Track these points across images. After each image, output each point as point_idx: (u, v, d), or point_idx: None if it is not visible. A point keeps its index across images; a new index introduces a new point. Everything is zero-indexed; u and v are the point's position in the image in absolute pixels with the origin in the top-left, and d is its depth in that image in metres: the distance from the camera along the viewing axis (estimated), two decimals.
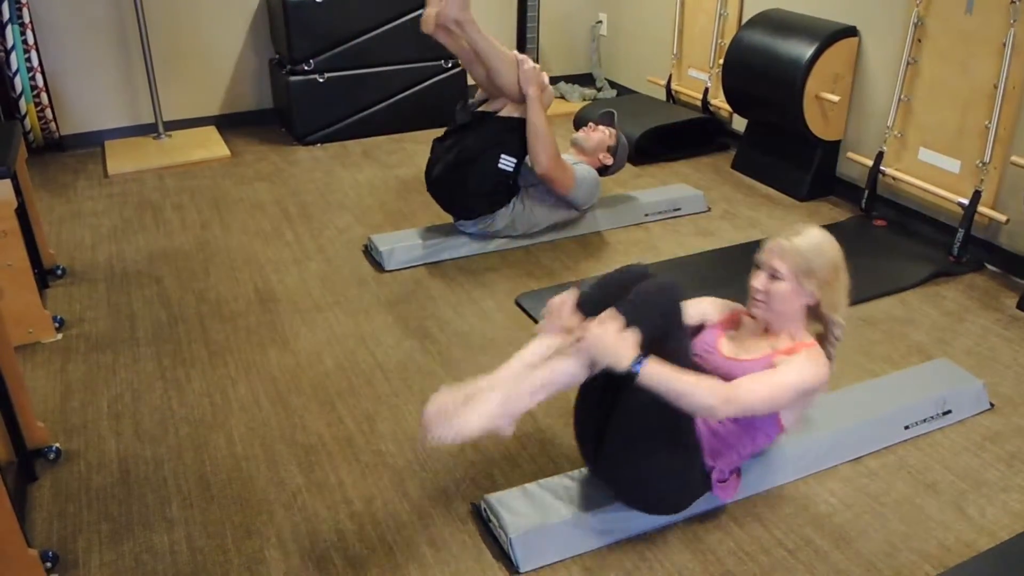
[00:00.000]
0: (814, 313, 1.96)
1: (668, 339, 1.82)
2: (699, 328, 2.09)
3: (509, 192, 3.30)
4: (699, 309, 2.12)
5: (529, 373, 1.80)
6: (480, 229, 3.36)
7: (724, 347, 2.01)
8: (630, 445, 1.86)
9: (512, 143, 3.19)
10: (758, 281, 1.94)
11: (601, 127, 3.62)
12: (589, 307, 1.90)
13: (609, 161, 3.59)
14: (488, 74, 3.18)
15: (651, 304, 1.81)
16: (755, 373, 1.85)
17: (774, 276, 1.91)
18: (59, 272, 3.19)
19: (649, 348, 1.77)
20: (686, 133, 4.51)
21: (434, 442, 1.71)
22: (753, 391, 1.80)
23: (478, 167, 3.19)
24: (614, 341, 1.73)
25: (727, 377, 1.87)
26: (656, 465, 1.87)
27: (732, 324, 2.08)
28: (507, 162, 3.20)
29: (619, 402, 1.84)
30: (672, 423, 1.83)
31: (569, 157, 3.46)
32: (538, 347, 1.88)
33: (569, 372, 1.79)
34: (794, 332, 1.96)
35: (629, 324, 1.76)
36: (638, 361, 1.72)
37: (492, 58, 3.12)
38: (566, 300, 1.93)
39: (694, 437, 1.90)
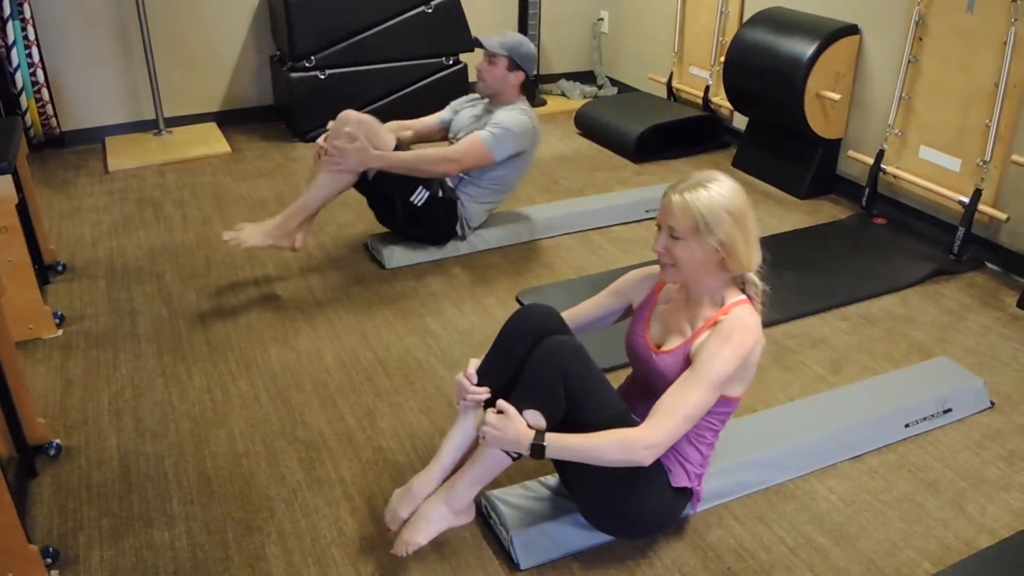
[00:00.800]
0: (725, 269, 1.77)
1: (578, 399, 1.77)
2: (629, 310, 2.02)
3: (449, 202, 3.21)
4: (620, 293, 2.02)
5: (461, 472, 1.85)
6: (471, 234, 3.36)
7: (652, 329, 1.90)
8: (591, 487, 1.84)
9: (404, 182, 3.06)
10: (659, 243, 1.77)
11: (486, 62, 3.21)
12: (490, 377, 1.90)
13: (520, 76, 3.23)
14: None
15: (544, 379, 1.77)
16: (665, 396, 1.72)
17: (673, 236, 1.74)
18: (60, 268, 3.19)
19: (562, 419, 1.77)
20: (687, 131, 4.51)
21: (396, 555, 1.84)
22: (668, 421, 1.68)
23: (410, 217, 3.16)
24: (508, 431, 1.71)
25: (652, 372, 1.84)
26: (620, 501, 1.84)
27: (661, 292, 1.96)
28: (419, 196, 3.09)
29: None
30: None
31: (480, 119, 3.26)
32: (464, 426, 1.93)
33: (493, 461, 1.81)
34: (716, 295, 1.80)
35: (529, 407, 1.75)
36: (538, 442, 1.70)
37: (330, 197, 3.04)
38: (469, 375, 1.92)
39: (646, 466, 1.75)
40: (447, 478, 1.90)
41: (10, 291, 2.53)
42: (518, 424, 1.72)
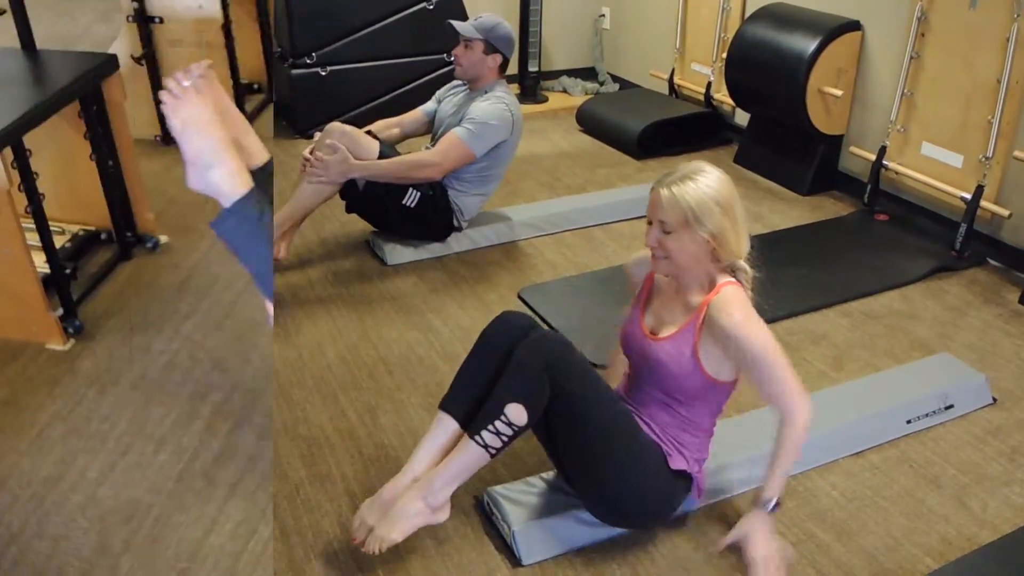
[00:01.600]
0: (716, 259, 1.79)
1: (565, 392, 1.77)
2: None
3: (442, 199, 3.19)
4: (629, 273, 2.06)
5: (438, 468, 1.81)
6: (469, 226, 3.35)
7: (647, 319, 1.91)
8: (589, 473, 1.83)
9: (394, 187, 3.07)
10: (650, 237, 1.80)
11: (461, 47, 3.15)
12: (468, 384, 1.88)
13: (498, 59, 3.16)
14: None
15: (528, 372, 1.76)
16: (768, 388, 1.75)
17: (664, 229, 1.76)
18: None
19: (546, 413, 1.77)
20: (689, 127, 4.50)
21: (367, 552, 1.78)
22: (795, 394, 1.75)
23: (406, 219, 3.17)
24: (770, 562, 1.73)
25: (649, 359, 1.84)
26: (619, 484, 1.83)
27: (655, 281, 1.98)
28: (411, 198, 3.10)
29: (554, 433, 1.85)
30: (613, 442, 1.80)
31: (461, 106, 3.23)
32: (438, 436, 1.88)
33: (471, 459, 1.78)
34: (705, 279, 1.81)
35: (512, 400, 1.74)
36: (770, 499, 1.75)
37: (312, 207, 3.08)
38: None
39: (641, 446, 1.83)
40: None
41: None
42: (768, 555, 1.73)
